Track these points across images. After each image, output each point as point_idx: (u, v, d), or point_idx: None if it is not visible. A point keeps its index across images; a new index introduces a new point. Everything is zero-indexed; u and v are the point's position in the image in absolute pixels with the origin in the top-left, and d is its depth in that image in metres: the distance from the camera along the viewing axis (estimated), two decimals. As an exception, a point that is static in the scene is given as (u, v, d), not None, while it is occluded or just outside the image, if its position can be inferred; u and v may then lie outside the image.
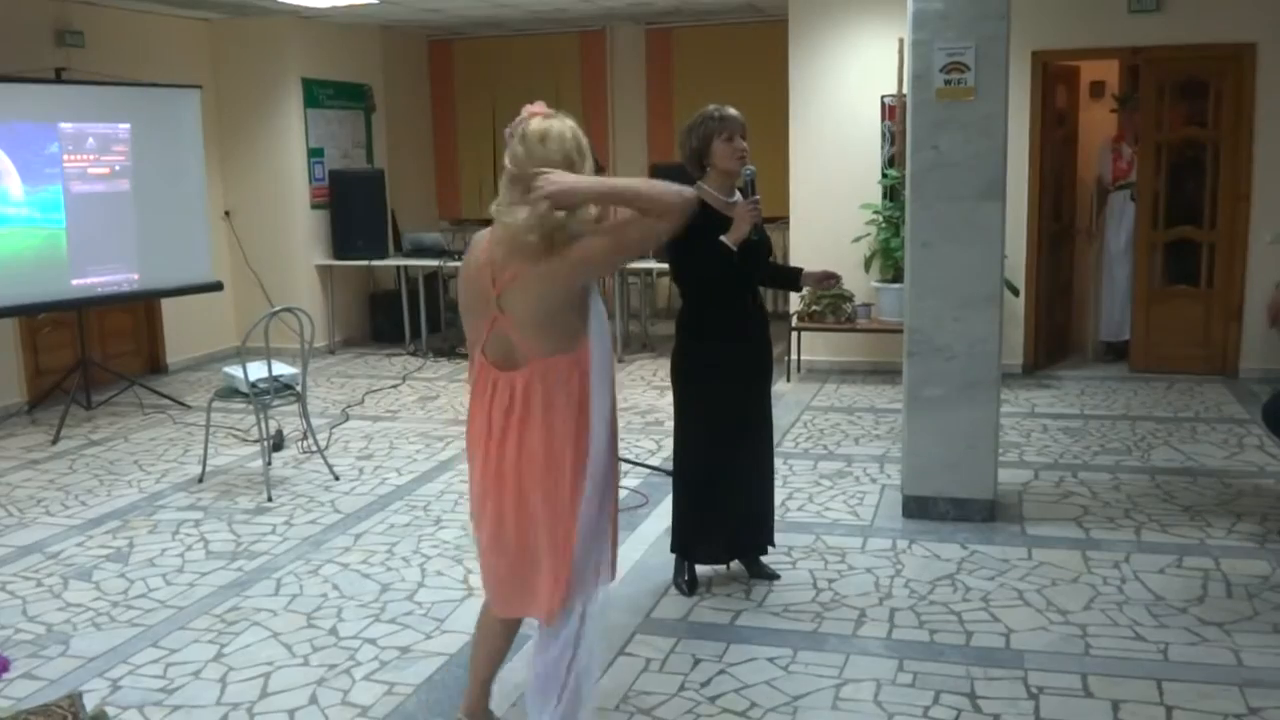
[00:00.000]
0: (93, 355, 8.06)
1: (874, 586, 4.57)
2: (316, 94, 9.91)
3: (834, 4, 8.48)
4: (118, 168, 7.77)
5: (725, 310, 4.36)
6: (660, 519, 5.43)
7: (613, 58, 11.24)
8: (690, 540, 4.58)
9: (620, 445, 6.51)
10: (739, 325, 4.40)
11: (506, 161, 3.04)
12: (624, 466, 6.19)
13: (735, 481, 4.49)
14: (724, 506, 4.51)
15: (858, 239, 8.35)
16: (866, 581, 4.62)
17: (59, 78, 7.82)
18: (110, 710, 3.70)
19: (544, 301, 2.92)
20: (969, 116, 5.02)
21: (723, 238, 4.15)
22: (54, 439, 7.17)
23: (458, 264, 9.73)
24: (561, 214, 2.87)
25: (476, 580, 4.71)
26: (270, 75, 9.69)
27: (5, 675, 3.99)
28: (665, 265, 9.07)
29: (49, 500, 6.01)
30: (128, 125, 7.81)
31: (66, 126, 7.50)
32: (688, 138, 4.32)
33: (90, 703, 3.68)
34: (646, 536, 5.24)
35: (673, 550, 4.66)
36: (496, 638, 3.33)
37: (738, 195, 4.29)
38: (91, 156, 7.63)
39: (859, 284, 8.32)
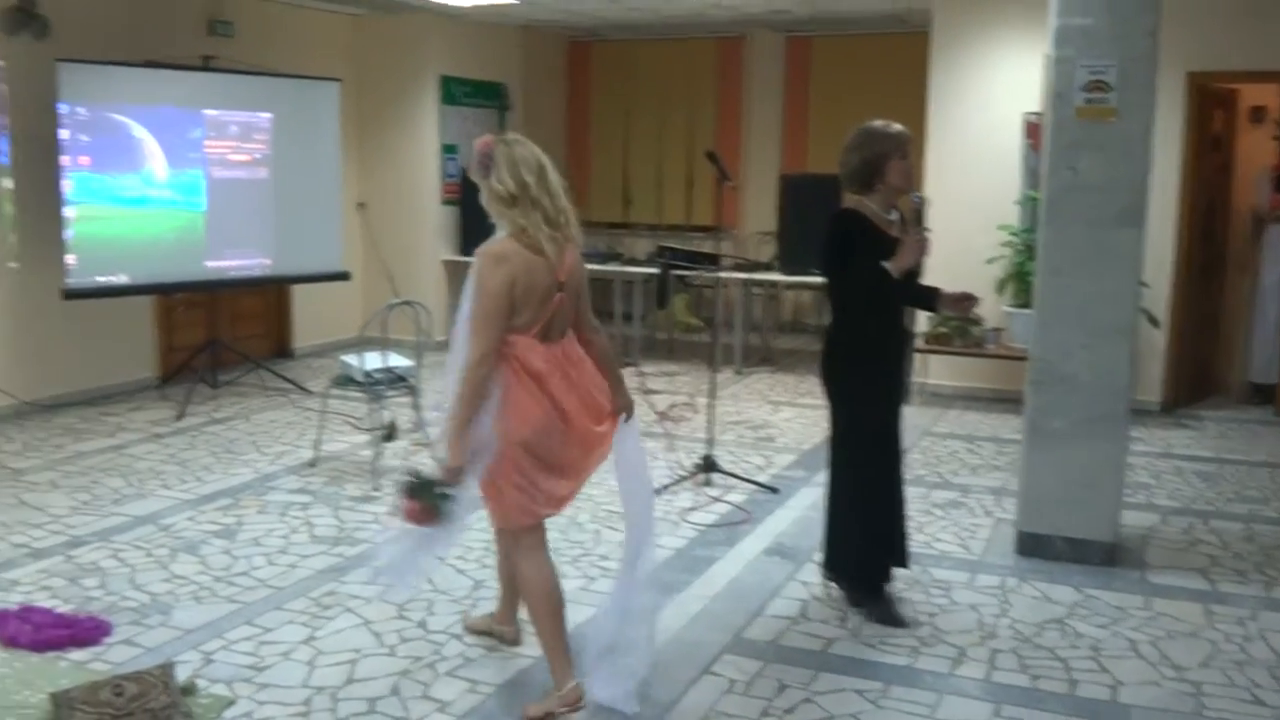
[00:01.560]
0: (222, 336, 8.28)
1: (977, 624, 4.37)
2: (453, 91, 10.03)
3: (979, 17, 8.24)
4: (257, 155, 7.97)
5: (879, 330, 4.31)
6: (761, 538, 5.32)
7: (750, 65, 11.14)
8: (877, 561, 4.49)
9: (729, 459, 6.47)
10: (892, 345, 4.39)
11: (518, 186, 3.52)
12: (724, 481, 6.09)
13: (884, 503, 4.44)
14: (894, 519, 4.49)
15: (991, 260, 8.08)
16: (970, 619, 4.43)
17: (206, 66, 8.05)
18: (200, 683, 3.77)
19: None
20: (1110, 138, 4.79)
21: (887, 264, 4.08)
22: (179, 415, 7.39)
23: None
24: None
25: (568, 585, 4.66)
26: (409, 71, 9.85)
27: (106, 640, 4.12)
28: (792, 278, 9.02)
29: (167, 474, 6.17)
30: (269, 115, 8.01)
31: (211, 113, 7.72)
32: (856, 152, 4.21)
33: (183, 674, 3.76)
34: (745, 554, 5.13)
35: (829, 568, 4.57)
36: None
37: (895, 213, 4.22)
38: (233, 143, 7.84)
39: (990, 308, 8.03)
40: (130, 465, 6.32)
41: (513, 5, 9.14)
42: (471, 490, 3.54)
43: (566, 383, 3.55)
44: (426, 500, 3.45)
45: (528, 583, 3.67)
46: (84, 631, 4.13)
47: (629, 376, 8.88)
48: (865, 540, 4.44)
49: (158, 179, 7.47)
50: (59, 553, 4.96)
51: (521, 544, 3.68)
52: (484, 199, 3.57)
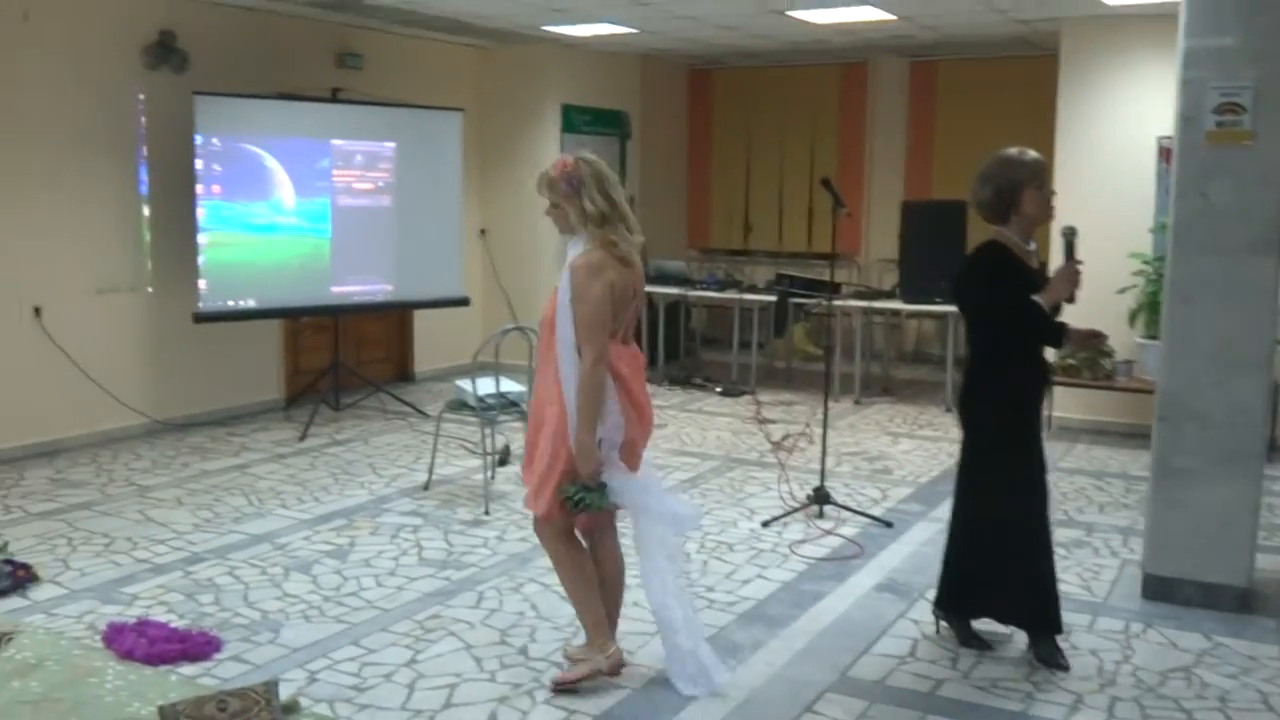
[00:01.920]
0: (346, 360, 8.47)
1: (1097, 671, 4.17)
2: (574, 120, 10.13)
3: (1109, 38, 7.99)
4: (381, 184, 8.16)
5: (1022, 365, 4.13)
6: (872, 574, 5.19)
7: (873, 90, 11.01)
8: (966, 590, 4.33)
9: (843, 491, 6.34)
10: (1034, 382, 4.21)
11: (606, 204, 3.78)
12: (840, 514, 5.96)
13: (1024, 542, 4.20)
14: (1010, 565, 4.21)
15: (1123, 290, 7.78)
16: (1089, 664, 4.23)
17: (335, 97, 8.28)
18: (303, 701, 3.81)
19: None
20: (1243, 162, 4.57)
21: (1036, 297, 3.95)
22: (301, 436, 7.57)
23: (700, 293, 9.79)
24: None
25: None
26: (531, 100, 9.98)
27: (217, 655, 4.20)
28: (914, 307, 8.84)
29: (287, 494, 6.31)
30: (393, 144, 8.19)
31: (338, 143, 7.93)
32: (989, 183, 4.07)
33: (286, 691, 3.80)
34: (856, 589, 5.00)
35: (939, 605, 4.42)
36: None
37: (1033, 244, 4.09)
38: (358, 172, 8.04)
39: (1122, 339, 7.73)
40: (252, 484, 6.49)
41: (633, 34, 9.20)
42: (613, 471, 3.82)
43: (640, 382, 3.88)
44: (595, 506, 3.78)
45: (559, 557, 3.98)
46: (195, 647, 4.22)
47: (746, 405, 8.91)
48: (963, 570, 4.28)
49: (286, 207, 7.69)
50: (178, 568, 5.10)
51: (555, 526, 3.93)
52: (569, 217, 3.79)
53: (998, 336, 4.09)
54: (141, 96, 7.47)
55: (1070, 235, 4.08)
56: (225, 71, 7.79)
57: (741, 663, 4.22)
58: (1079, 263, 4.02)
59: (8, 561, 4.83)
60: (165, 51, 7.49)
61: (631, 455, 3.89)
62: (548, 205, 3.85)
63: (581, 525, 3.98)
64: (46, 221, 7.00)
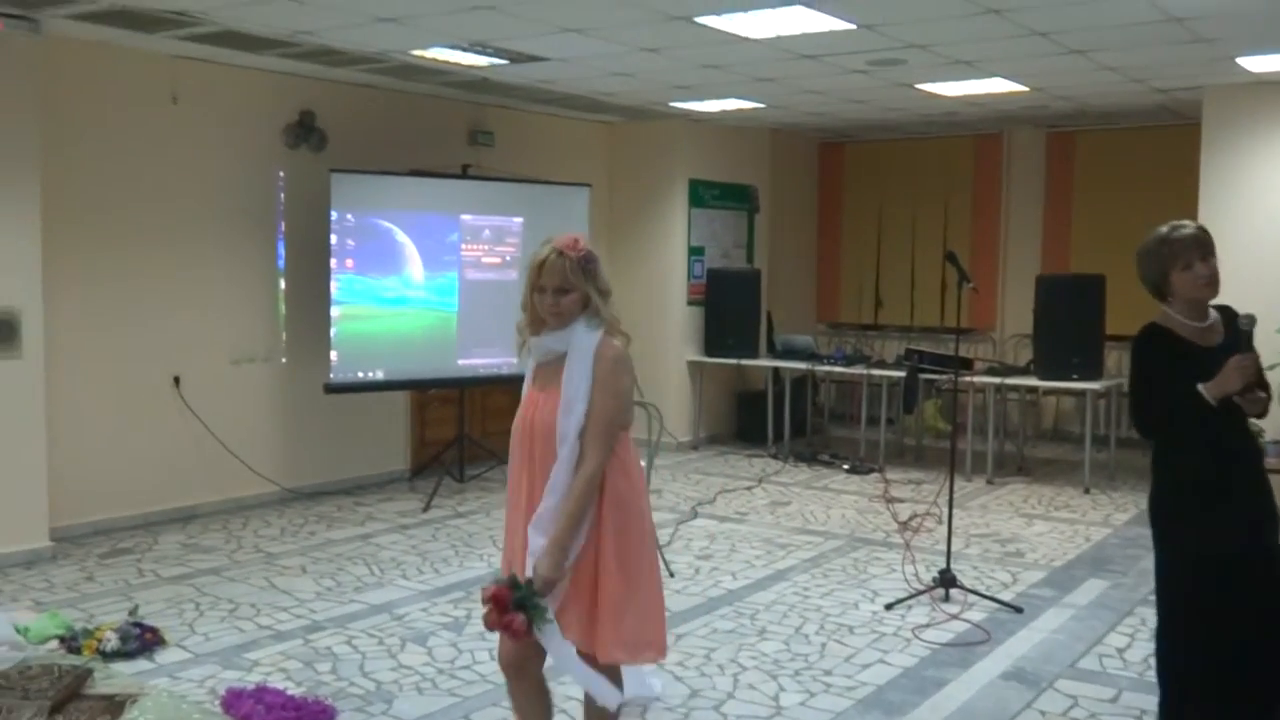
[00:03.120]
0: (470, 432, 8.56)
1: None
2: (702, 194, 10.18)
3: (1254, 106, 7.71)
4: (508, 258, 8.28)
5: (1206, 457, 3.67)
6: (999, 661, 4.96)
7: (1009, 162, 10.80)
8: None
9: (971, 574, 6.11)
10: (1228, 474, 3.68)
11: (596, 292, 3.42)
12: (967, 598, 5.74)
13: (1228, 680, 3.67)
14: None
15: (1272, 367, 7.39)
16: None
17: (465, 173, 8.48)
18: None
19: None
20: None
21: (1202, 387, 3.56)
22: (425, 507, 7.65)
23: (828, 368, 9.66)
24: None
25: (786, 699, 4.51)
26: (659, 175, 10.07)
27: (330, 726, 4.22)
28: (1051, 383, 8.56)
29: (408, 564, 6.36)
30: (521, 219, 8.33)
31: (467, 218, 8.10)
32: (1138, 264, 3.79)
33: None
34: (981, 676, 4.78)
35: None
36: None
37: (1213, 314, 3.74)
38: (486, 247, 8.18)
39: (1272, 420, 7.34)
40: (375, 554, 6.56)
41: (761, 109, 9.23)
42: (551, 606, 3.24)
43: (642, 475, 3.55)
44: (529, 612, 3.15)
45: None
46: (311, 715, 4.24)
47: (874, 482, 8.71)
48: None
49: (415, 281, 7.86)
50: (299, 636, 5.15)
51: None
52: (578, 302, 3.36)
53: (1161, 429, 3.74)
54: (282, 174, 7.77)
55: (1249, 325, 3.64)
56: (361, 149, 8.05)
57: (858, 752, 4.07)
58: (1253, 355, 3.58)
59: (137, 625, 4.95)
60: (305, 131, 7.79)
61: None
62: (550, 295, 3.33)
63: (509, 655, 3.42)
64: (189, 293, 7.29)
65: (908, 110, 9.38)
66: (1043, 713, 4.39)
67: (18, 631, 4.81)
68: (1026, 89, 8.19)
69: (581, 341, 3.32)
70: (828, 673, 4.80)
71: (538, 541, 3.21)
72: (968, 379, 6.78)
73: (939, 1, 5.67)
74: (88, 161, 6.77)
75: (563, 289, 3.31)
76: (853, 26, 6.17)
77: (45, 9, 5.88)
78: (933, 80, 7.88)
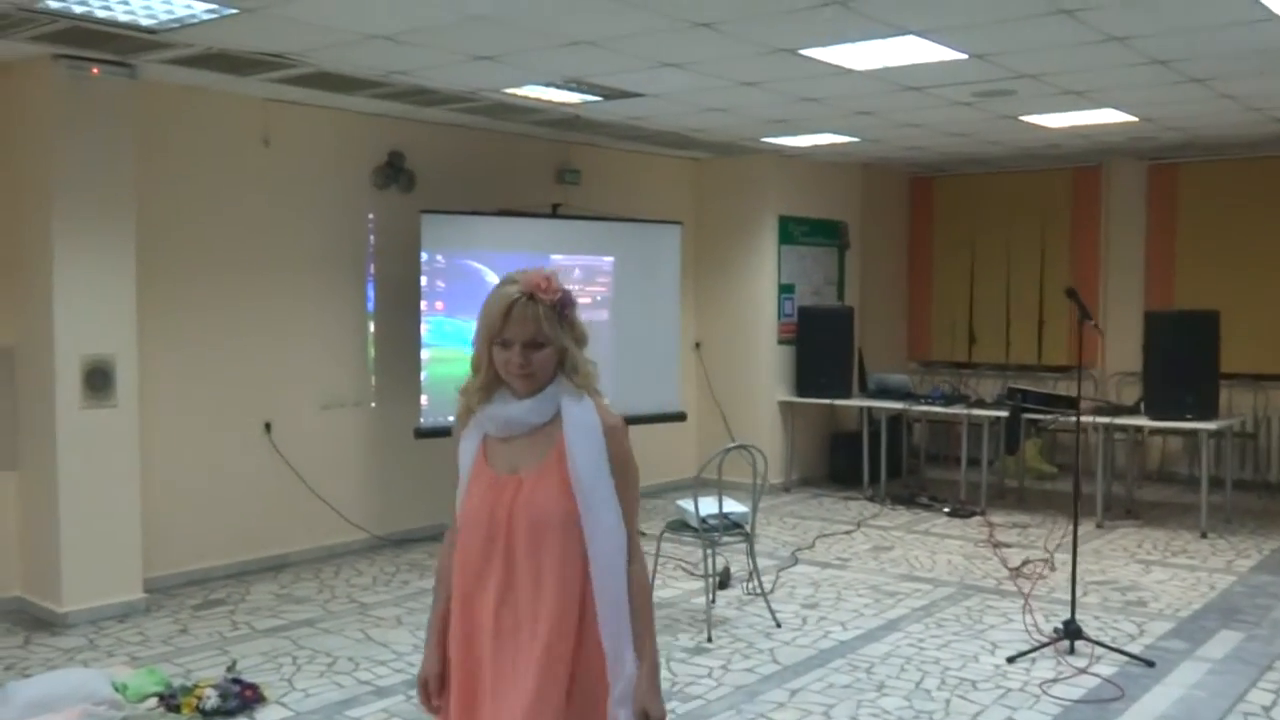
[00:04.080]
0: (562, 475, 8.36)
1: None
2: (792, 230, 9.97)
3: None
4: (599, 298, 8.13)
5: None
6: (1137, 717, 4.64)
7: (1109, 195, 10.48)
8: None
9: (1094, 625, 5.78)
10: None
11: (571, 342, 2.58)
12: (1094, 651, 5.42)
13: None
14: None
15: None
16: None
17: (555, 213, 8.35)
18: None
19: None
20: None
21: None
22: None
23: (924, 408, 9.37)
24: None
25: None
26: (748, 212, 9.88)
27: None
28: (1160, 423, 8.20)
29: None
30: (611, 258, 8.18)
31: (557, 258, 7.96)
32: None
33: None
34: (1123, 738, 4.48)
35: None
36: None
37: None
38: (577, 287, 8.03)
39: None
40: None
41: (855, 143, 9.02)
42: None
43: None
44: None
45: None
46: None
47: (977, 526, 8.38)
48: None
49: (506, 322, 7.71)
50: (400, 692, 4.97)
51: None
52: (553, 360, 2.52)
53: None
54: (371, 216, 7.69)
55: None
56: (449, 189, 7.96)
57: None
58: None
59: (236, 681, 4.81)
60: (394, 172, 7.72)
61: None
62: (518, 351, 2.48)
63: None
64: (280, 338, 7.22)
65: (1008, 143, 9.12)
66: (1200, 781, 4.08)
67: (116, 689, 4.69)
68: (1136, 119, 7.90)
69: (578, 414, 2.52)
70: (954, 732, 4.54)
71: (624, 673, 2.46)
72: (1078, 418, 6.49)
73: (1059, 30, 5.42)
74: (180, 206, 6.73)
75: (535, 342, 2.48)
76: (964, 56, 5.95)
77: (141, 54, 5.86)
78: (1040, 111, 7.62)
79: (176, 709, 4.62)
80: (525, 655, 2.44)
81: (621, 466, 2.53)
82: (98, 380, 6.03)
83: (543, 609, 2.44)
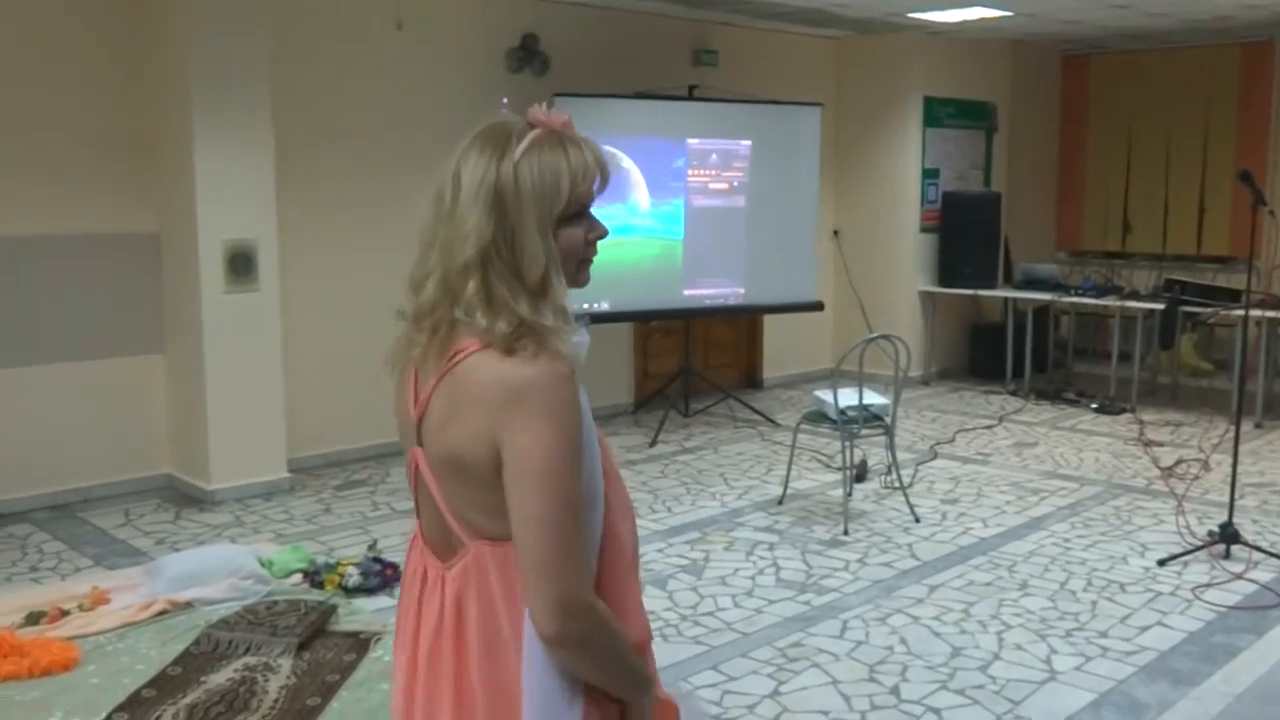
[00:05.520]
0: (695, 364, 8.30)
1: None
2: (936, 112, 9.56)
3: None
4: (735, 183, 7.93)
5: None
6: (1306, 627, 4.42)
7: (1281, 72, 9.77)
8: None
9: (1252, 528, 5.51)
10: None
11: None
12: (1251, 556, 5.16)
13: None
14: None
15: None
16: None
17: (691, 95, 8.13)
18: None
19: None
20: None
21: None
22: (651, 442, 7.45)
23: (1073, 299, 8.97)
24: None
25: (1060, 662, 4.13)
26: (891, 93, 9.50)
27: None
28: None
29: (639, 502, 6.16)
30: (749, 142, 7.94)
31: (693, 142, 7.77)
32: None
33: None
34: (1277, 647, 4.26)
35: None
36: None
37: None
38: (713, 172, 7.84)
39: None
40: (604, 490, 6.39)
41: (1007, 18, 8.52)
42: None
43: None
44: None
45: None
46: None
47: (1126, 424, 8.05)
48: None
49: (641, 209, 7.60)
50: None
51: None
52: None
53: None
54: (505, 99, 7.56)
55: None
56: (583, 72, 7.79)
57: (1148, 728, 3.66)
58: None
59: (376, 560, 4.90)
60: (527, 55, 7.58)
61: None
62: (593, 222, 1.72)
63: None
64: (415, 223, 7.19)
65: (1176, 15, 8.51)
66: (1369, 695, 3.86)
67: (262, 565, 4.83)
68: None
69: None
70: (1103, 634, 4.39)
71: None
72: (1241, 312, 6.09)
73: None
74: (314, 92, 6.72)
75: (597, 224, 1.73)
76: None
77: (276, -65, 5.80)
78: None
79: (320, 585, 4.74)
80: None
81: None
82: (239, 265, 6.12)
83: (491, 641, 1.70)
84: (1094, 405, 8.60)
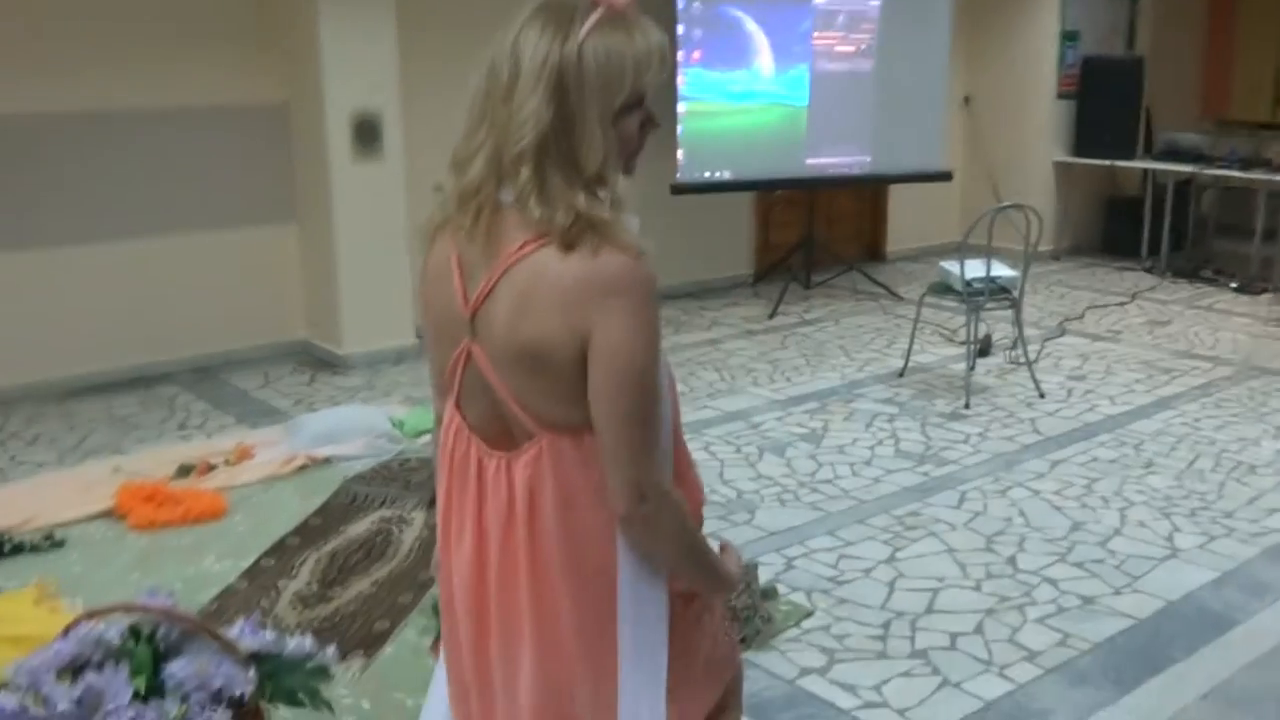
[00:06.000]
0: (817, 235, 8.20)
1: None
2: (1078, -28, 9.12)
3: None
4: (863, 47, 7.70)
5: None
6: None
7: None
8: None
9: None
10: None
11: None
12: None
13: None
14: None
15: None
16: None
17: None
18: (780, 588, 3.70)
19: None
20: None
21: None
22: (771, 313, 7.44)
23: (1217, 171, 8.58)
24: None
25: (1182, 540, 4.10)
26: (1029, -50, 9.07)
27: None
28: None
29: (758, 372, 6.21)
30: (878, 3, 7.67)
31: (820, 3, 7.54)
32: None
33: (764, 575, 3.69)
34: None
35: None
36: None
37: None
38: (840, 35, 7.62)
39: None
40: (724, 360, 6.44)
41: None
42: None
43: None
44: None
45: None
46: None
47: (1267, 304, 7.75)
48: None
49: (764, 74, 7.45)
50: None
51: None
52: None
53: None
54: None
55: None
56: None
57: (1268, 605, 3.62)
58: None
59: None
60: (653, -83, 7.40)
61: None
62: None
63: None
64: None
65: None
66: None
67: (394, 425, 5.01)
68: None
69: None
70: (1228, 515, 4.32)
71: None
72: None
73: None
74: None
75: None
76: None
77: None
78: None
79: (448, 445, 4.90)
80: None
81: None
82: (366, 134, 6.21)
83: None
84: (1234, 284, 8.29)
